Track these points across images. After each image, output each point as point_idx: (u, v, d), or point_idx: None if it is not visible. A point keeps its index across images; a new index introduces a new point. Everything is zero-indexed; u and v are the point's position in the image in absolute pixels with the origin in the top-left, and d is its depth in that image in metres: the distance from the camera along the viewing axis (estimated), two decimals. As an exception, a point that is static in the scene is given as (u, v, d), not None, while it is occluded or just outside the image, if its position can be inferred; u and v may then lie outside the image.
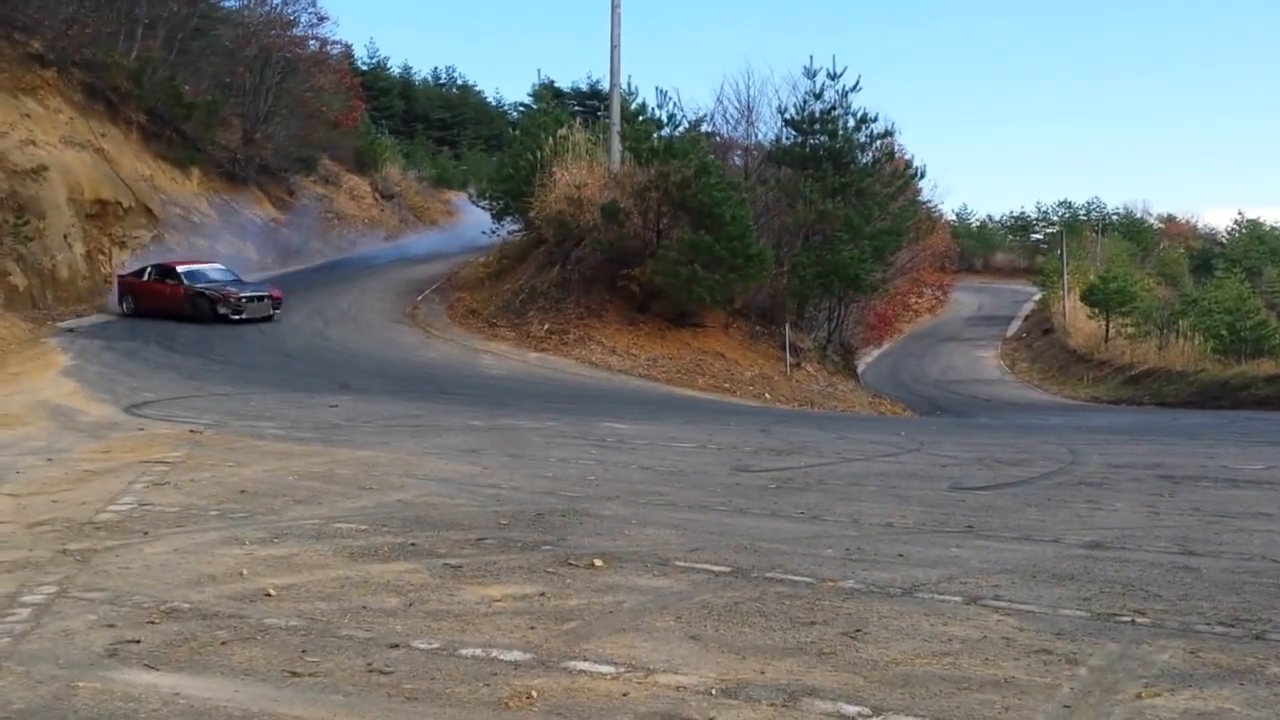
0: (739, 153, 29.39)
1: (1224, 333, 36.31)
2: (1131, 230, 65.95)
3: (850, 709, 2.77)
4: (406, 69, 55.18)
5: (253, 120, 32.96)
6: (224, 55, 32.22)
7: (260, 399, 11.97)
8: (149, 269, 22.15)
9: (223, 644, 3.29)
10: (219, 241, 28.49)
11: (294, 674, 3.03)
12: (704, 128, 28.68)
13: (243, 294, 21.55)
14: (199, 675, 3.04)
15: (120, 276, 22.75)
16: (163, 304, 21.32)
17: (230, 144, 32.53)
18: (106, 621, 3.52)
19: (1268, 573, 4.41)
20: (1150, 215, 70.56)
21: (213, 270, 22.68)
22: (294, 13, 34.75)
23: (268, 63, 32.62)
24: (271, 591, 3.87)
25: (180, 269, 21.99)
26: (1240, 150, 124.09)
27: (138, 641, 3.32)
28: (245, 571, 4.17)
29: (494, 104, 58.58)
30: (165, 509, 5.44)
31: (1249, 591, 4.05)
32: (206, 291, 21.29)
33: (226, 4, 33.64)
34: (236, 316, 20.91)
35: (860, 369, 33.12)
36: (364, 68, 48.86)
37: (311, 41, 36.18)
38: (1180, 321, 40.49)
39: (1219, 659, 3.19)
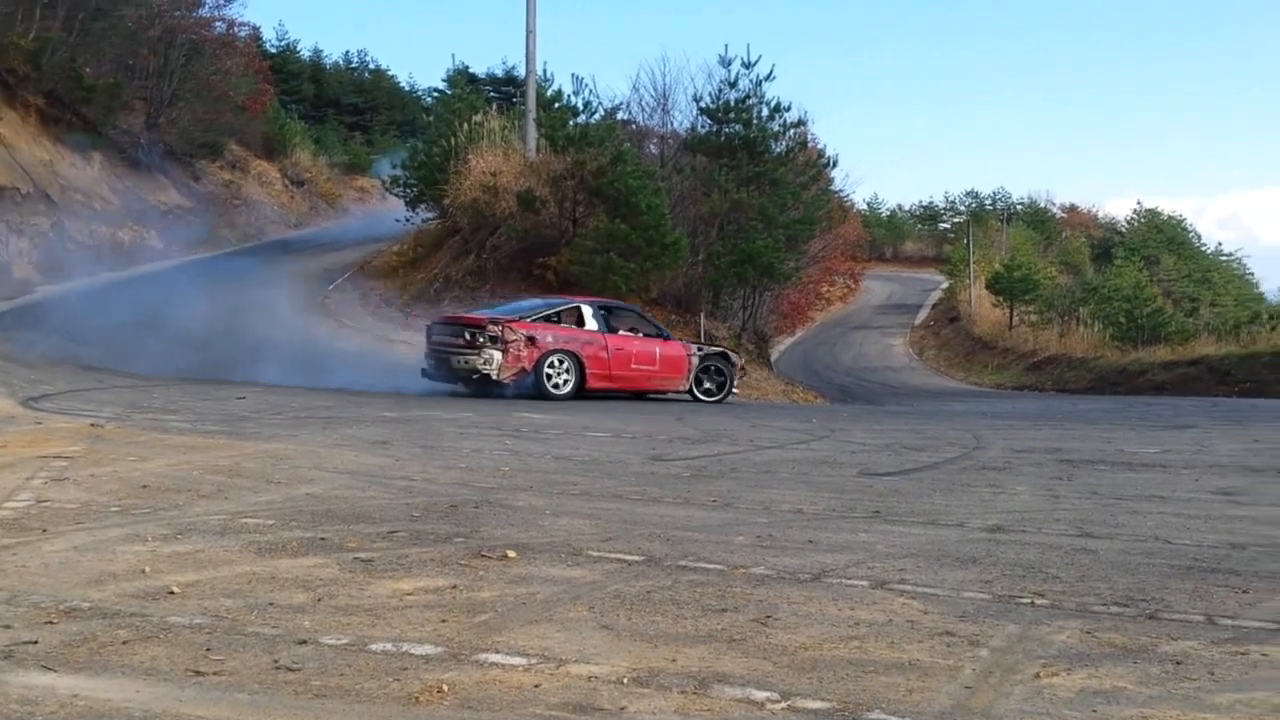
0: (655, 141, 29.47)
1: (1122, 320, 37.50)
2: (1035, 220, 67.68)
3: (760, 694, 2.81)
4: (317, 52, 54.19)
5: (157, 104, 32.07)
6: (127, 37, 31.25)
7: (164, 391, 11.69)
8: None
9: (124, 643, 3.21)
10: (122, 228, 27.70)
11: (198, 673, 2.97)
12: (620, 116, 28.73)
13: None
14: (99, 676, 2.96)
15: None
16: None
17: (134, 128, 31.61)
18: (2, 623, 3.42)
19: (1161, 554, 4.57)
20: (1053, 205, 72.55)
21: None
22: (200, -7, 33.93)
23: (172, 44, 31.75)
24: (175, 589, 3.79)
25: None
26: (1139, 142, 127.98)
27: (35, 642, 3.22)
28: (148, 569, 4.07)
29: (408, 89, 57.81)
30: (64, 505, 5.29)
31: (1143, 572, 4.20)
32: None
33: (129, -17, 32.59)
34: None
35: (774, 357, 33.47)
36: (273, 51, 47.86)
37: (218, 23, 35.38)
38: (1081, 309, 41.74)
39: (1114, 638, 3.30)
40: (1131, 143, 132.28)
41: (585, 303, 15.32)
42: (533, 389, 13.81)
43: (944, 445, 9.25)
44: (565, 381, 14.12)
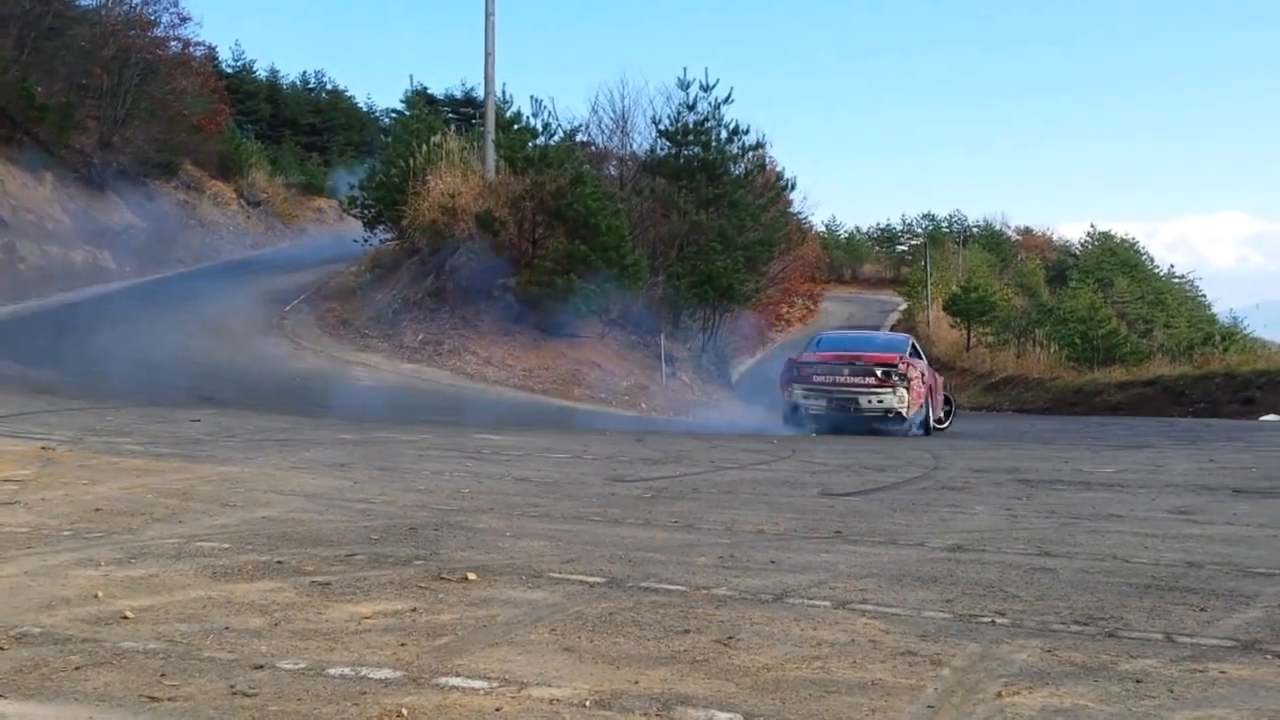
0: (614, 163, 29.56)
1: (1077, 341, 38.02)
2: (991, 242, 68.46)
3: (723, 715, 2.79)
4: (274, 72, 53.66)
5: (110, 123, 31.68)
6: (80, 56, 30.86)
7: (117, 413, 11.51)
8: None
9: (76, 669, 3.14)
10: (74, 249, 27.33)
11: (152, 699, 2.91)
12: (579, 137, 28.81)
13: None
14: (50, 702, 2.89)
15: None
16: None
17: (87, 148, 31.21)
18: (-52, 650, 3.33)
19: (1119, 572, 4.61)
20: (1009, 228, 73.45)
21: None
22: (154, 13, 33.54)
23: (126, 64, 31.38)
24: (129, 614, 3.72)
25: None
26: (1093, 166, 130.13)
27: (-18, 670, 3.14)
28: (100, 593, 3.99)
29: (365, 110, 57.52)
30: (14, 529, 5.18)
31: (1102, 590, 4.23)
32: None
33: (83, 3, 32.19)
34: None
35: (734, 377, 33.57)
36: (229, 70, 47.41)
37: (173, 43, 34.97)
38: (1037, 330, 42.26)
39: (1074, 656, 3.31)
40: (1085, 167, 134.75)
41: (900, 334, 15.82)
42: (921, 426, 14.04)
43: (904, 465, 9.30)
44: (931, 416, 14.52)
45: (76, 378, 15.39)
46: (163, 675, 3.10)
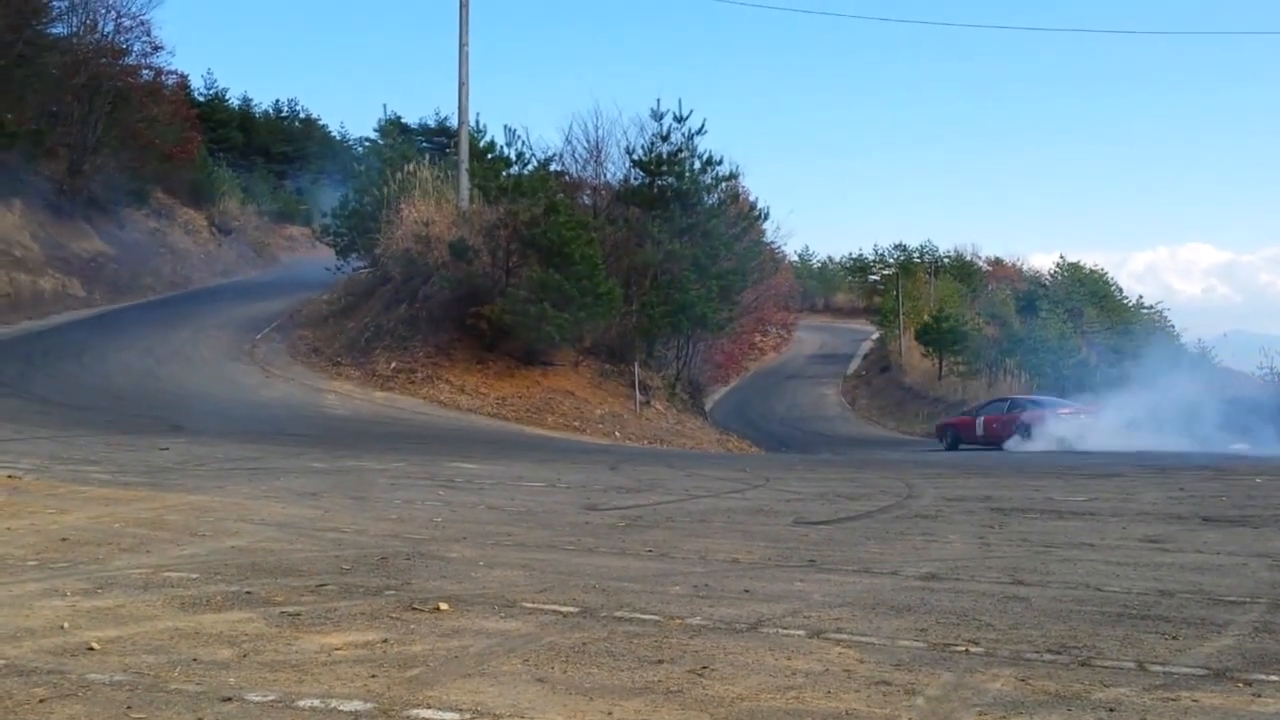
0: (588, 192, 29.60)
1: (1048, 370, 38.25)
2: (962, 272, 68.89)
3: (697, 747, 2.77)
4: (246, 101, 53.57)
5: (81, 151, 31.50)
6: (51, 83, 30.74)
7: (85, 442, 11.38)
8: None
9: (40, 701, 3.08)
10: (43, 276, 27.09)
11: (117, 733, 2.86)
12: (553, 167, 28.88)
13: None
14: (11, 738, 2.84)
15: None
16: None
17: (56, 175, 31.03)
18: (-93, 684, 3.26)
19: (1092, 601, 4.62)
20: (979, 258, 73.86)
21: None
22: (126, 41, 33.45)
23: (98, 92, 31.24)
24: (95, 645, 3.66)
25: None
26: (1061, 197, 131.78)
27: (-57, 704, 3.08)
28: (66, 624, 3.93)
29: (339, 138, 57.46)
30: (-24, 560, 5.10)
31: (1075, 619, 4.24)
32: None
33: (54, 31, 32.07)
34: None
35: (708, 406, 33.61)
36: (201, 99, 47.31)
37: (145, 71, 34.91)
38: (1008, 359, 42.53)
39: (1048, 685, 3.32)
40: (1054, 198, 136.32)
41: None
42: None
43: (877, 494, 9.31)
44: None
45: (44, 406, 15.22)
46: (129, 708, 3.05)
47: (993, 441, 24.30)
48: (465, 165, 24.33)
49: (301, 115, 57.64)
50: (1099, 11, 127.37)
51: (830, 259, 76.69)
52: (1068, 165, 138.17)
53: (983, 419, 26.06)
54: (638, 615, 4.21)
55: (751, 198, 32.86)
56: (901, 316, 53.17)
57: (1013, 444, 22.90)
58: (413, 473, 9.94)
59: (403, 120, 38.72)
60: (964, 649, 3.74)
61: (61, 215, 30.38)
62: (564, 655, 3.62)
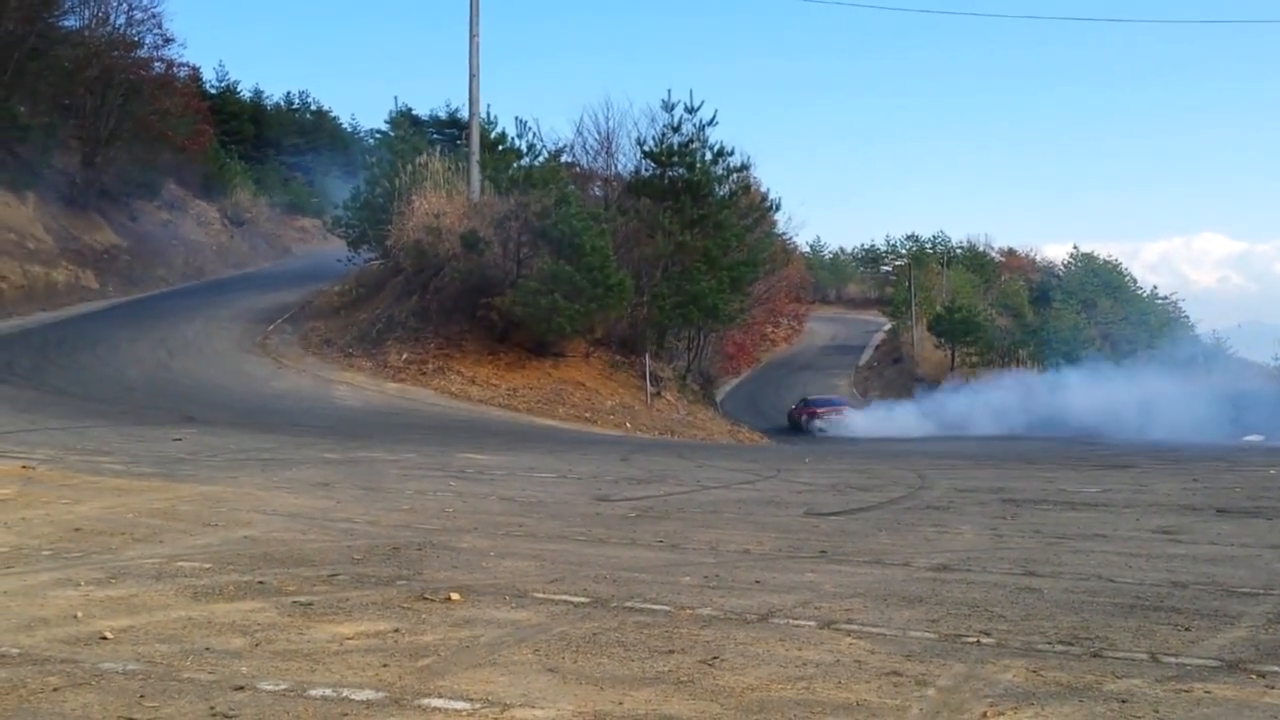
0: (599, 183, 29.60)
1: (1061, 361, 38.14)
2: (975, 263, 68.63)
3: (708, 737, 2.77)
4: (258, 93, 53.66)
5: (93, 143, 31.61)
6: (63, 76, 30.83)
7: (99, 433, 11.43)
8: None
9: (54, 690, 3.10)
10: (56, 268, 27.21)
11: (130, 721, 2.87)
12: (564, 158, 28.88)
13: None
14: (25, 726, 2.85)
15: None
16: None
17: (69, 167, 31.14)
18: (-77, 672, 3.29)
19: (1104, 592, 4.60)
20: (992, 249, 73.63)
21: None
22: (138, 34, 33.54)
23: (110, 85, 31.35)
24: (108, 634, 3.67)
25: None
26: (1075, 187, 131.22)
27: (-42, 692, 3.10)
28: (80, 614, 3.95)
29: (350, 130, 57.53)
30: (-9, 550, 5.12)
31: (1087, 610, 4.22)
32: None
33: (67, 24, 32.16)
34: None
35: (719, 397, 33.63)
36: (213, 91, 47.39)
37: (157, 64, 34.99)
38: (1021, 350, 42.39)
39: (1059, 677, 3.30)
40: (1067, 188, 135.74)
41: None
42: None
43: (889, 485, 9.29)
44: None
45: (58, 397, 15.28)
46: (142, 697, 3.06)
47: (800, 429, 32.13)
48: (476, 157, 24.33)
49: (313, 107, 57.83)
50: (1113, 1, 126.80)
51: (842, 250, 76.63)
52: (1081, 155, 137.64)
53: (796, 411, 33.86)
54: (648, 606, 4.21)
55: (763, 189, 32.88)
56: (914, 307, 53.02)
57: (810, 429, 31.32)
58: (424, 463, 9.96)
59: (414, 112, 38.73)
60: (975, 640, 3.73)
61: (75, 207, 30.49)
62: (575, 645, 3.62)
